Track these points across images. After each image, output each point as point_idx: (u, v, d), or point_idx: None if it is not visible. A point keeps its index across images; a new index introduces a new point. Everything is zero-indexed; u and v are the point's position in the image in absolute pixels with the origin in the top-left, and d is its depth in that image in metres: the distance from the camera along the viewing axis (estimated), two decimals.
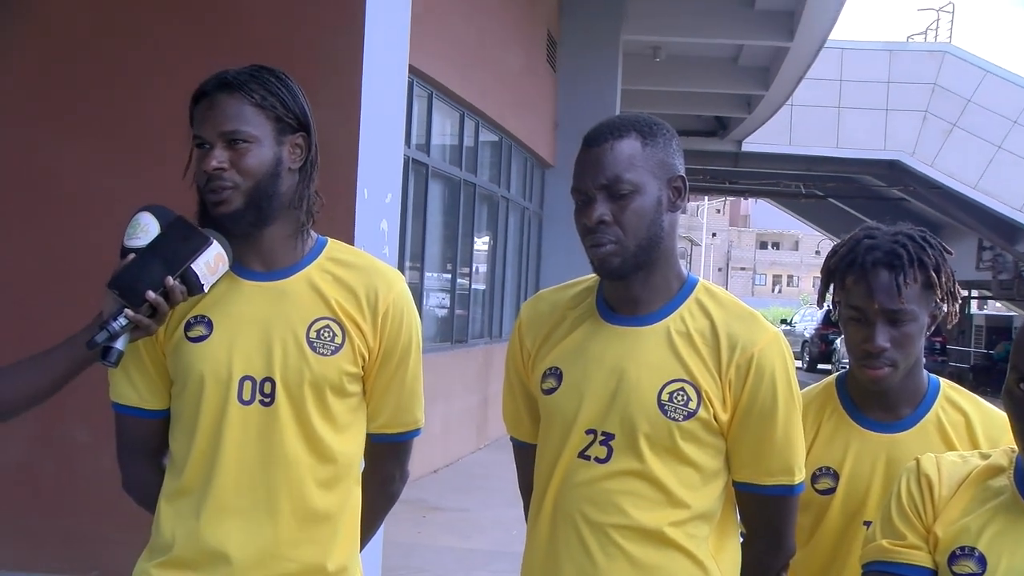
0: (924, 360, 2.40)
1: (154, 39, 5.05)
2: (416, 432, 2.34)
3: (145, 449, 2.24)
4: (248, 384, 2.12)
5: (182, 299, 2.06)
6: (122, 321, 2.00)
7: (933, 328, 2.39)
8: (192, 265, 2.04)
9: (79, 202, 5.11)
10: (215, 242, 2.07)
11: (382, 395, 2.25)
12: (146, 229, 2.08)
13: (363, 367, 2.21)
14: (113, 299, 2.03)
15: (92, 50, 5.13)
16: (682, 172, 2.19)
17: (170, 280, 2.03)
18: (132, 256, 2.05)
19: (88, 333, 2.06)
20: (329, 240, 2.27)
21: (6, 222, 5.20)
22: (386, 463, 2.35)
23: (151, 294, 2.01)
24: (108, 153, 5.10)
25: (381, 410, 2.27)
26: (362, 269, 2.23)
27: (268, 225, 2.15)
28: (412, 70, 7.63)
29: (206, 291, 2.08)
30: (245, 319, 2.15)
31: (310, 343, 2.15)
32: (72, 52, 5.14)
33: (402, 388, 2.27)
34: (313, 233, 2.25)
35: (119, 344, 2.01)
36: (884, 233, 2.36)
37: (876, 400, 2.36)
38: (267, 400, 2.13)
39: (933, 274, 2.30)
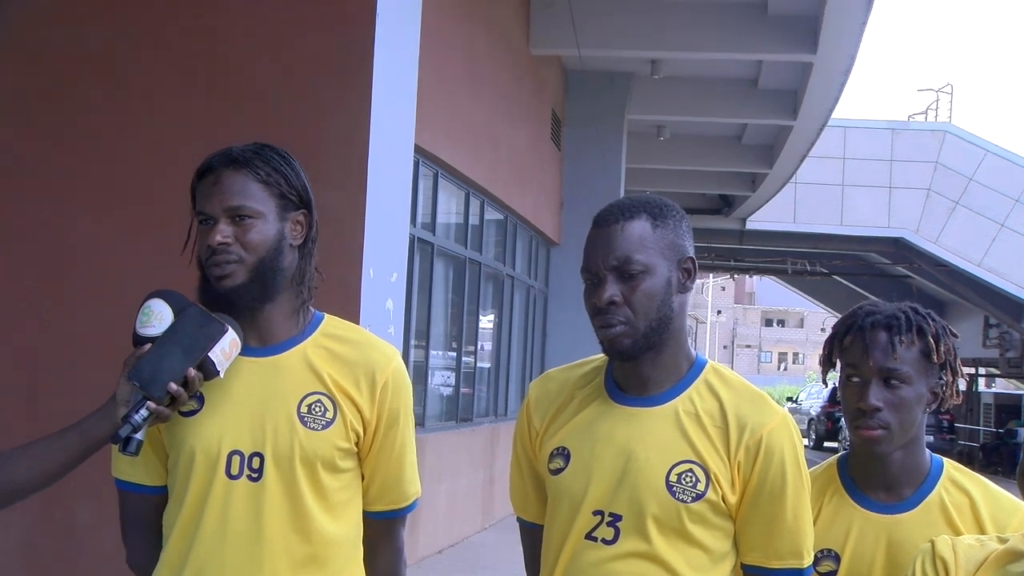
0: (933, 439, 2.38)
1: (163, 113, 5.10)
2: (410, 509, 2.32)
3: (147, 524, 2.23)
4: (236, 459, 2.12)
5: (200, 386, 2.06)
6: (144, 413, 2.00)
7: (936, 405, 2.37)
8: (210, 354, 2.04)
9: (85, 272, 5.13)
10: (230, 329, 2.07)
11: (375, 471, 2.24)
12: (160, 316, 2.08)
13: (356, 443, 2.19)
14: (132, 389, 2.03)
15: (101, 120, 5.18)
16: (692, 253, 2.19)
17: (191, 371, 2.03)
18: (148, 346, 2.05)
19: (101, 418, 2.06)
20: (326, 316, 2.28)
21: (13, 291, 5.21)
22: (380, 541, 2.31)
23: (173, 386, 2.02)
24: (117, 226, 5.12)
25: (376, 485, 2.25)
26: (357, 344, 2.24)
27: (271, 301, 2.16)
28: (418, 149, 7.69)
29: (222, 376, 2.08)
30: (236, 394, 2.15)
31: (301, 418, 2.14)
32: (81, 124, 5.18)
33: (400, 460, 2.25)
34: (311, 309, 2.26)
35: (140, 435, 2.01)
36: (887, 305, 2.37)
37: (877, 479, 2.33)
38: (255, 475, 2.12)
39: (932, 340, 2.29)
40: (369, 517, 2.29)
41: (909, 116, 31.04)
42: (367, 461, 2.23)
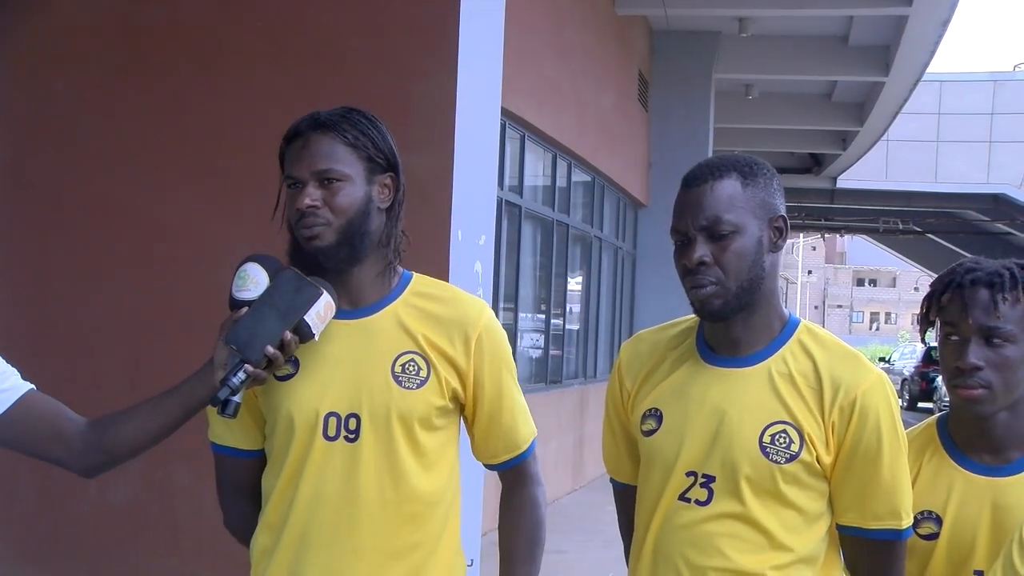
0: None
1: (254, 86, 5.16)
2: (533, 446, 2.33)
3: (243, 488, 2.28)
4: (333, 420, 2.15)
5: (295, 349, 2.10)
6: (242, 376, 2.04)
7: None
8: (305, 317, 2.07)
9: (182, 242, 5.23)
10: (325, 292, 2.09)
11: (491, 424, 2.26)
12: (256, 280, 2.10)
13: (455, 399, 2.22)
14: (230, 353, 2.06)
15: (195, 95, 5.26)
16: (783, 212, 2.17)
17: (287, 335, 2.06)
18: (244, 309, 2.08)
19: (199, 382, 2.09)
20: (414, 275, 2.29)
21: (113, 263, 5.33)
22: (519, 484, 2.33)
23: (270, 349, 2.04)
24: (209, 194, 5.20)
25: (495, 438, 2.28)
26: (447, 300, 2.26)
27: (359, 263, 2.18)
28: (504, 112, 7.69)
29: (316, 339, 2.11)
30: (330, 357, 2.17)
31: (395, 377, 2.16)
32: (175, 96, 5.27)
33: (512, 408, 2.28)
34: (400, 269, 2.27)
35: (237, 397, 2.04)
36: (989, 262, 2.30)
37: (981, 441, 2.27)
38: (352, 436, 2.14)
39: None
40: (501, 470, 2.32)
41: (1015, 66, 30.16)
42: (479, 417, 2.26)
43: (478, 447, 2.32)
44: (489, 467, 2.33)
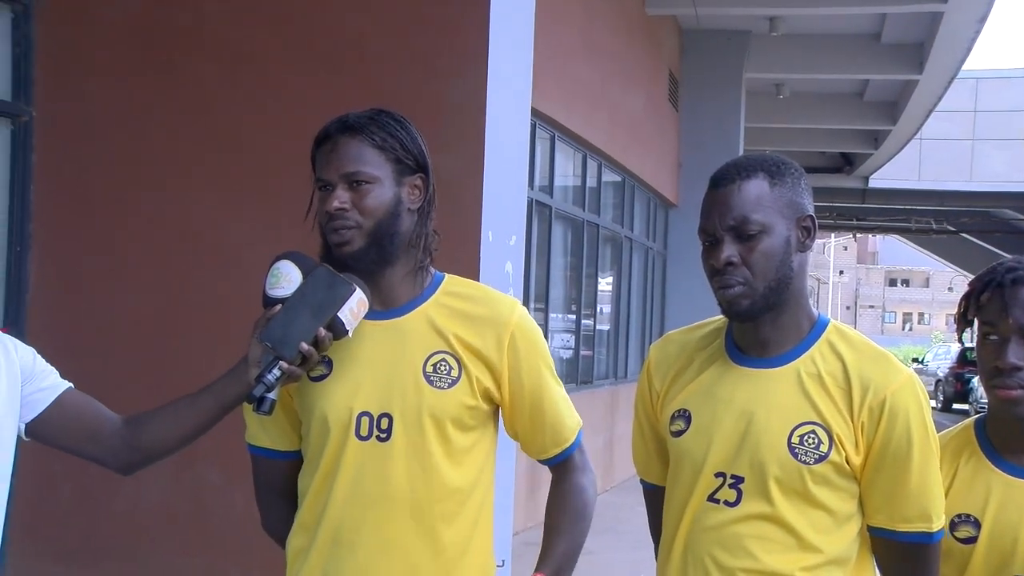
0: None
1: (280, 89, 5.18)
2: (579, 437, 2.34)
3: (280, 489, 2.30)
4: (365, 420, 2.16)
5: (329, 346, 2.11)
6: (277, 373, 2.05)
7: None
8: (339, 314, 2.08)
9: (206, 243, 5.25)
10: (358, 288, 2.10)
11: (536, 421, 2.27)
12: (288, 278, 2.12)
13: (488, 398, 2.23)
14: (264, 350, 2.08)
15: (221, 99, 5.28)
16: (811, 211, 2.16)
17: (321, 331, 2.07)
18: (278, 307, 2.10)
19: (233, 380, 2.12)
20: (446, 276, 2.30)
21: (140, 264, 5.37)
22: (571, 478, 2.34)
23: (304, 346, 2.06)
24: (235, 196, 5.22)
25: (543, 433, 2.29)
26: (479, 299, 2.27)
27: (390, 264, 2.19)
28: (535, 113, 7.69)
29: (350, 335, 2.12)
30: (363, 357, 2.19)
31: (427, 377, 2.18)
32: (201, 101, 5.30)
33: (554, 402, 2.29)
34: (432, 270, 2.29)
35: (272, 394, 2.06)
36: None
37: (1020, 444, 2.24)
38: (384, 435, 2.16)
39: None
40: (551, 464, 2.33)
41: None
42: (522, 413, 2.26)
43: (526, 443, 2.33)
44: (540, 462, 2.34)
